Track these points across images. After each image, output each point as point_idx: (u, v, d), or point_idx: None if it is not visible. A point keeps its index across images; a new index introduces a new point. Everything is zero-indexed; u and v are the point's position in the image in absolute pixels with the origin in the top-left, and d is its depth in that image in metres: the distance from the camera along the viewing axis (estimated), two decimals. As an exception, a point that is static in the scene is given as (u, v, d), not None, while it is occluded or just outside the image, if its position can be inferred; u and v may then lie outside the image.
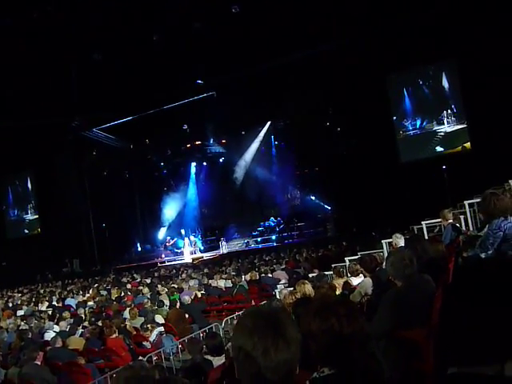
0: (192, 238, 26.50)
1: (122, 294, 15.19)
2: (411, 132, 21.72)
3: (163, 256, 26.73)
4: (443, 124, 20.82)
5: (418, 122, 21.51)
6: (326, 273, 9.89)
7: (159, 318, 10.65)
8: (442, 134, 20.85)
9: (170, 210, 30.07)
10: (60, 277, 25.02)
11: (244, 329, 1.58)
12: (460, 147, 20.29)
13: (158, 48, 18.89)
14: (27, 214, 31.28)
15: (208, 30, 18.26)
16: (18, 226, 31.56)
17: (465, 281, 4.02)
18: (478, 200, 6.97)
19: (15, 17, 16.38)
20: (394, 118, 21.81)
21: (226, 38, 18.46)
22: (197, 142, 27.91)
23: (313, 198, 25.64)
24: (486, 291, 3.28)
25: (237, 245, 26.18)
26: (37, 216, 30.64)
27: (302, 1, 16.84)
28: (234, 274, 15.02)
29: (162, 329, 9.98)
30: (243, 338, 1.56)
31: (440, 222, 8.55)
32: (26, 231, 31.24)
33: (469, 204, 9.07)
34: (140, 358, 8.71)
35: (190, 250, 25.34)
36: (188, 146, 28.22)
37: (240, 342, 1.57)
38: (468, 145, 20.03)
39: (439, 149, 20.95)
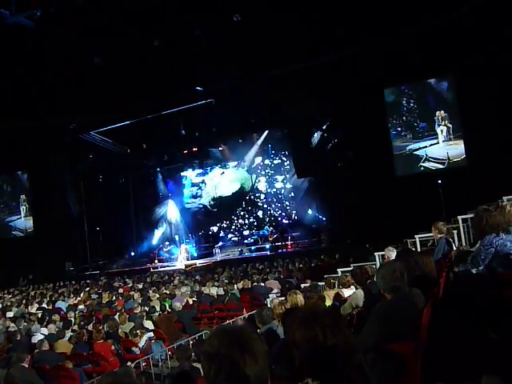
0: (184, 245, 26.41)
1: (114, 298, 15.12)
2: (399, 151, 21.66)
3: (156, 262, 26.59)
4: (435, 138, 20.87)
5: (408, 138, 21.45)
6: (319, 283, 9.88)
7: (149, 324, 10.60)
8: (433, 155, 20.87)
9: (165, 215, 29.99)
10: (42, 279, 24.68)
11: (211, 348, 1.62)
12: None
13: (159, 53, 18.93)
14: (18, 214, 30.61)
15: (209, 37, 18.34)
16: (7, 227, 31.00)
17: (454, 296, 4.02)
18: (472, 215, 7.00)
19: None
20: (392, 131, 21.77)
21: (227, 45, 18.54)
22: (194, 149, 27.91)
23: (308, 209, 25.62)
24: (475, 307, 3.28)
25: (231, 253, 26.11)
26: (30, 218, 30.17)
27: (303, 12, 16.92)
28: (226, 281, 14.95)
29: (151, 334, 9.92)
30: (211, 356, 1.61)
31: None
32: (18, 232, 30.67)
33: (462, 219, 9.13)
34: (128, 363, 8.65)
35: (183, 256, 25.29)
36: (185, 152, 28.22)
37: (208, 360, 1.61)
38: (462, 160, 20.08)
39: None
